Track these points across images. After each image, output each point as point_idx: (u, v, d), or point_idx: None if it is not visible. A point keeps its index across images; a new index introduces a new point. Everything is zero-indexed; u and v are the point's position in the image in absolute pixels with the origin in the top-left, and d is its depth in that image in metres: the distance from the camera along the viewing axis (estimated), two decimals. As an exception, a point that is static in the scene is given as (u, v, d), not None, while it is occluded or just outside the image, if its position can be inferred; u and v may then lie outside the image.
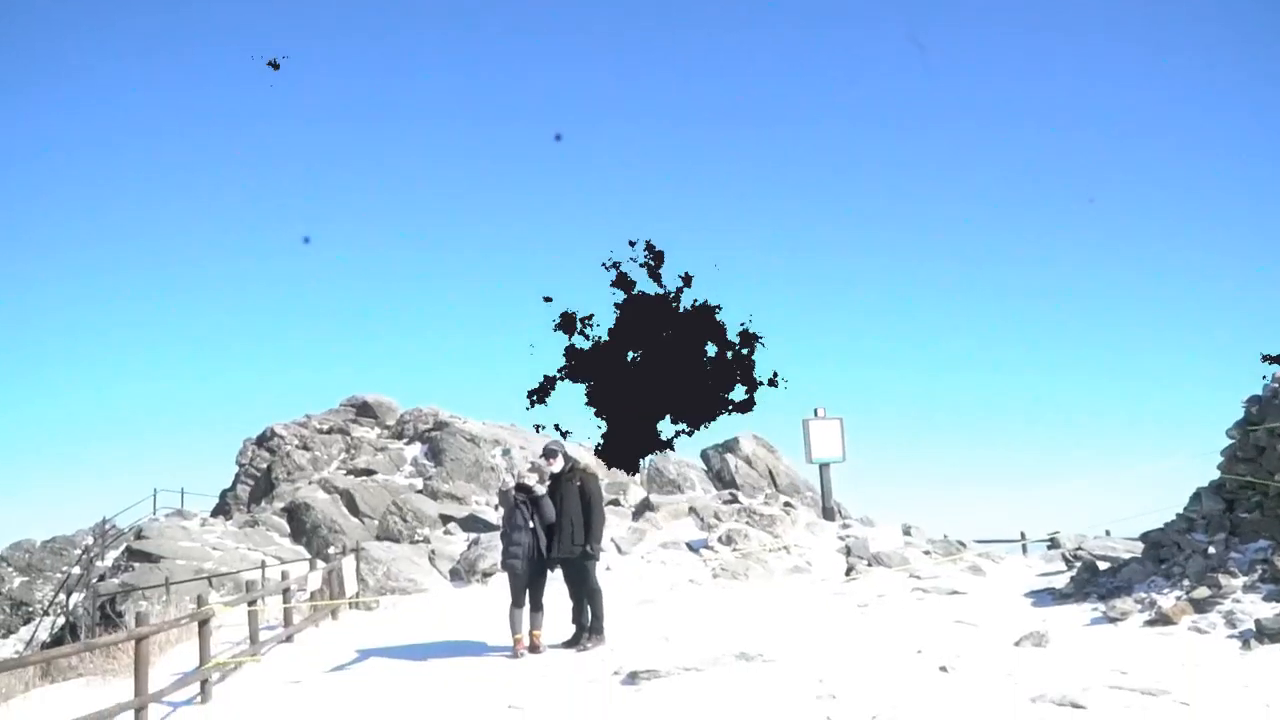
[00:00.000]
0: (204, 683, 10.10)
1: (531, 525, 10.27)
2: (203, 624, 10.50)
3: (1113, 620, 9.29)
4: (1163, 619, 8.92)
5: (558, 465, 10.54)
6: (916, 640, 9.04)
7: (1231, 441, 10.91)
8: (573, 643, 10.42)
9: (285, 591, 13.64)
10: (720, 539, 18.60)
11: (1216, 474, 11.06)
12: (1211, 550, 9.72)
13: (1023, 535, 22.80)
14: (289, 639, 13.00)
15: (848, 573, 15.22)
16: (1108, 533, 18.59)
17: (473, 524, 21.97)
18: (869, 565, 15.34)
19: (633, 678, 8.25)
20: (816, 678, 7.66)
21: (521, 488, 10.53)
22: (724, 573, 16.47)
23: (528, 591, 10.38)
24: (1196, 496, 10.84)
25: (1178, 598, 9.27)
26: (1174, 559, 10.12)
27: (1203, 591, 9.09)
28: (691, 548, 18.75)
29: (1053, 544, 16.91)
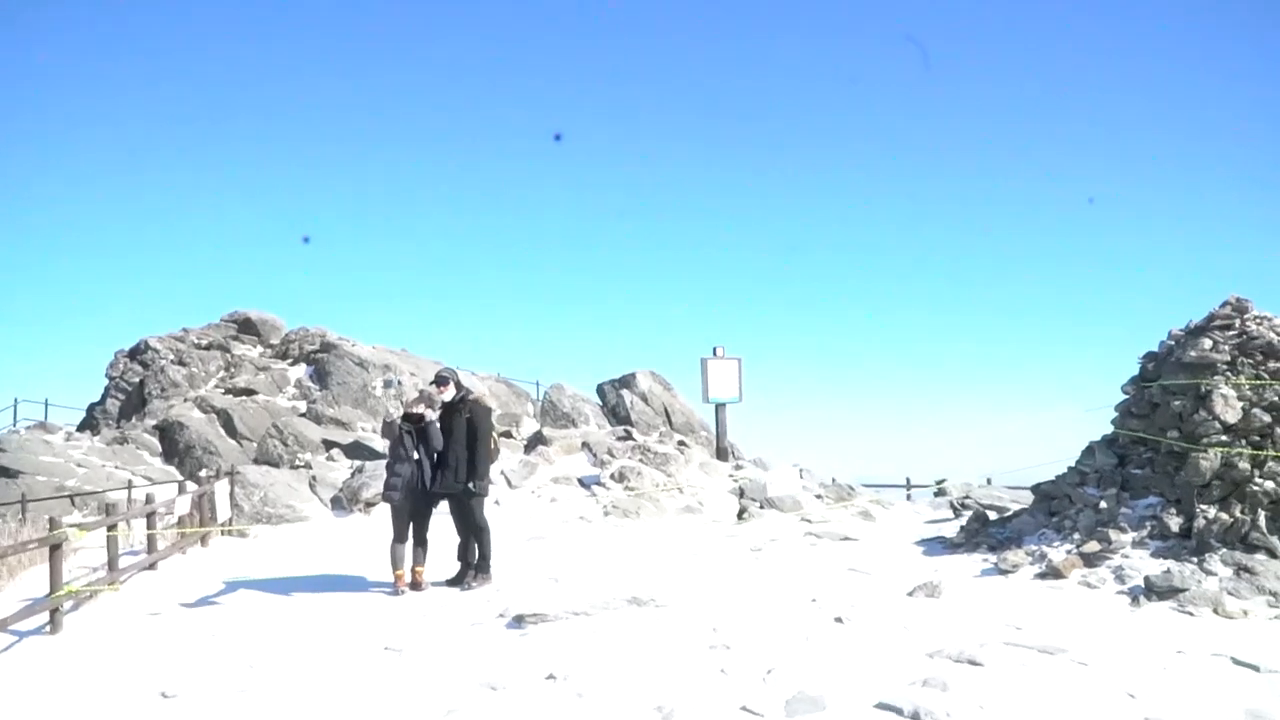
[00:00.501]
0: (54, 611, 9.34)
1: (416, 456, 9.72)
2: (54, 548, 9.68)
3: (1004, 572, 9.28)
4: (1053, 572, 8.94)
5: (448, 394, 9.95)
6: (810, 588, 8.88)
7: (1126, 397, 11.00)
8: (457, 581, 9.98)
9: (150, 515, 12.80)
10: (613, 476, 18.33)
11: (1108, 429, 11.16)
12: (1103, 505, 9.78)
13: (908, 481, 23.26)
14: (152, 566, 12.24)
15: (740, 515, 15.12)
16: (989, 481, 18.99)
17: (357, 451, 21.23)
18: (761, 508, 15.26)
19: (519, 621, 7.87)
20: (710, 626, 7.40)
21: (409, 416, 9.92)
22: (615, 510, 16.20)
23: (411, 526, 9.88)
24: (1089, 450, 10.92)
25: (1068, 551, 9.30)
26: (1065, 512, 10.17)
27: (1093, 546, 9.13)
28: (584, 484, 18.44)
29: (940, 491, 17.13)
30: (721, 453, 21.51)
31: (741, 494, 16.14)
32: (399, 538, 9.81)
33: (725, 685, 5.92)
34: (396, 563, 9.74)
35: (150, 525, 12.76)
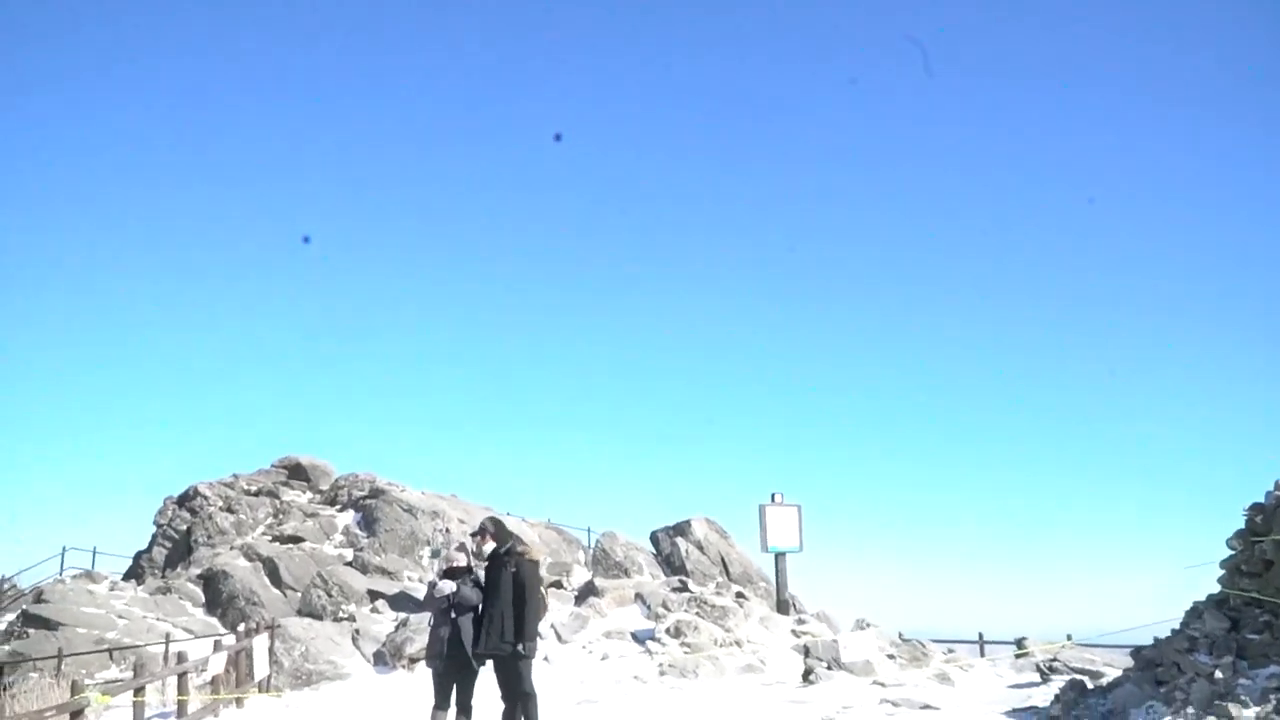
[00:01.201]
0: (72, 784, 8.71)
1: (454, 616, 9.09)
2: (75, 715, 9.08)
3: (1112, 752, 8.26)
4: (1169, 753, 7.91)
5: (490, 546, 9.38)
6: (894, 768, 7.94)
7: (1233, 553, 10.05)
8: (501, 754, 9.15)
9: (182, 675, 12.16)
10: (668, 630, 17.39)
11: (1209, 586, 10.19)
12: (1218, 674, 8.75)
13: (981, 637, 21.82)
14: (181, 730, 11.55)
15: (806, 676, 14.06)
16: (1069, 638, 17.67)
17: (403, 602, 20.49)
18: (829, 669, 14.20)
19: (568, 806, 7.04)
20: (785, 817, 6.52)
21: (450, 572, 9.33)
22: (671, 669, 15.24)
23: (455, 691, 9.15)
24: (1195, 612, 9.92)
25: (1183, 728, 8.27)
26: (1174, 682, 9.13)
27: (1212, 723, 8.11)
28: (637, 638, 17.52)
29: (1021, 650, 15.91)
30: (782, 605, 20.47)
31: (807, 653, 15.09)
32: (440, 705, 9.09)
33: None
34: (436, 733, 8.98)
35: (182, 686, 12.11)
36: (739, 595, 20.50)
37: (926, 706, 11.18)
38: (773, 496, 20.94)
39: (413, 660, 16.26)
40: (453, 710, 9.14)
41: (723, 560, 23.75)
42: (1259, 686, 8.58)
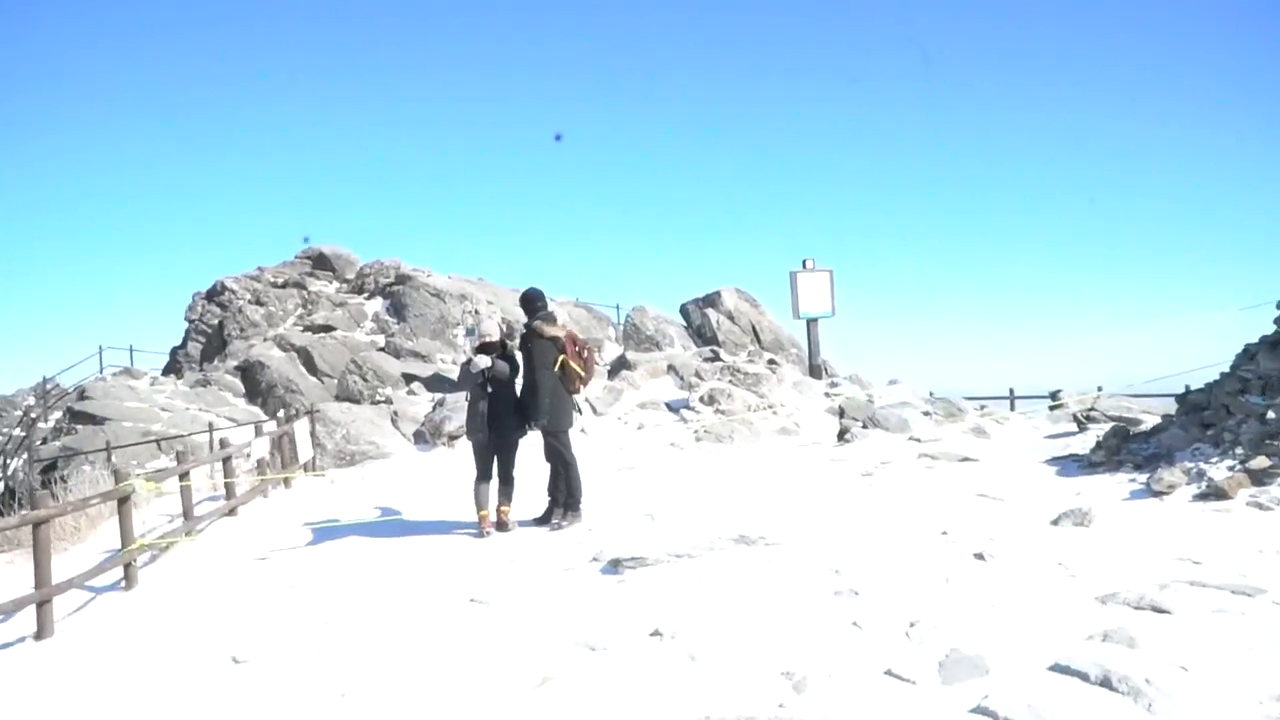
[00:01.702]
0: (128, 566, 8.97)
1: (490, 390, 9.06)
2: (122, 502, 9.26)
3: (1157, 494, 8.19)
4: (1216, 493, 7.83)
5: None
6: (937, 518, 7.94)
7: (1291, 292, 9.65)
8: (545, 519, 9.31)
9: (226, 460, 12.38)
10: (702, 399, 17.51)
11: (1256, 327, 9.85)
12: (1271, 415, 8.57)
13: (1012, 392, 21.90)
14: (232, 512, 11.86)
15: (841, 435, 14.15)
16: (1099, 389, 17.63)
17: (438, 384, 20.73)
18: (865, 427, 14.26)
19: (615, 565, 7.11)
20: (831, 567, 6.53)
21: (484, 347, 9.22)
22: (707, 435, 15.39)
23: (495, 463, 9.23)
24: (1247, 354, 9.65)
25: (1230, 468, 8.17)
26: (1223, 424, 8.99)
27: (1261, 461, 7.98)
28: (671, 408, 17.67)
29: (1056, 403, 15.88)
30: (815, 370, 20.52)
31: (842, 413, 15.15)
32: (482, 476, 9.21)
33: (861, 643, 5.06)
34: (481, 503, 9.13)
35: (227, 470, 12.35)
36: (771, 362, 20.54)
37: (965, 459, 11.20)
38: (804, 263, 20.57)
39: (452, 437, 16.55)
40: (495, 481, 9.25)
41: (754, 329, 23.69)
42: (1313, 424, 8.40)
